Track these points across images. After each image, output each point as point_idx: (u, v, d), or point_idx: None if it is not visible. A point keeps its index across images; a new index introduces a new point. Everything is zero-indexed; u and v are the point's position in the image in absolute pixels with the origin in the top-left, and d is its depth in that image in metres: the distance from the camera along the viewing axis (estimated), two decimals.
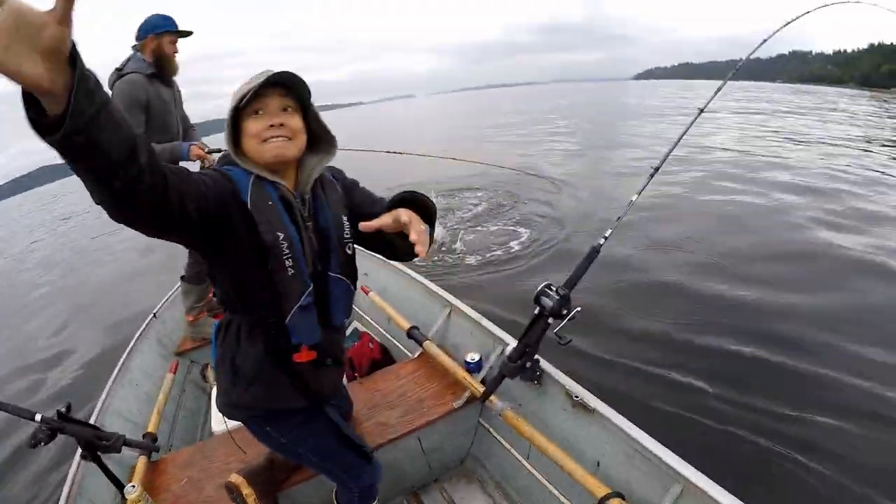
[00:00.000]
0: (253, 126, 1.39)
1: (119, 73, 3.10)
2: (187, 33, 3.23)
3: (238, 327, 1.53)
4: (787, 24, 2.70)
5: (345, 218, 1.57)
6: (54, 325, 7.56)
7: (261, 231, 1.37)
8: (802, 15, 2.67)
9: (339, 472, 1.84)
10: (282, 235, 1.39)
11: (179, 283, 3.72)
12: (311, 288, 1.47)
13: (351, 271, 1.61)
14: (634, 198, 2.29)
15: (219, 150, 3.40)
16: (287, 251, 1.40)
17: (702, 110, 2.49)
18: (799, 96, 39.20)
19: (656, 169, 2.35)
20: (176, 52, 3.22)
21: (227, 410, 1.64)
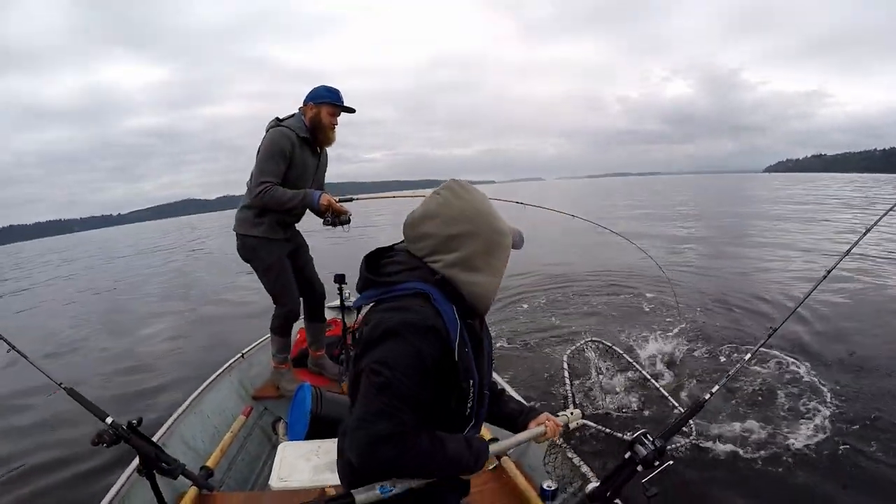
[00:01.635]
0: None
1: (278, 121, 3.33)
2: (349, 109, 3.41)
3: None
4: None
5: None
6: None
7: (460, 379, 1.39)
8: None
9: None
10: (472, 382, 1.43)
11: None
12: (474, 422, 1.54)
13: None
14: (747, 357, 2.20)
15: (349, 199, 3.50)
16: (472, 395, 1.44)
17: (829, 271, 2.26)
18: None
19: (774, 329, 2.20)
20: (334, 124, 3.39)
21: None
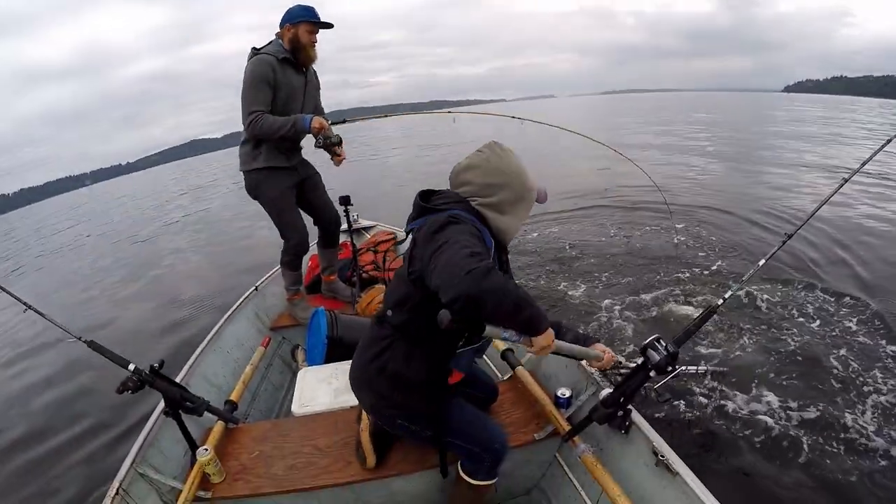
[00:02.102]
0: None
1: (255, 51, 3.25)
2: (327, 25, 3.31)
3: (411, 348, 1.83)
4: None
5: None
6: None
7: None
8: None
9: (471, 446, 2.02)
10: None
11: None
12: (484, 339, 1.89)
13: None
14: (761, 262, 2.21)
15: (342, 121, 3.44)
16: None
17: (846, 180, 2.26)
18: None
19: (789, 236, 2.19)
20: (314, 41, 3.31)
21: (379, 409, 1.97)
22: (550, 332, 1.59)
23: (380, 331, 1.91)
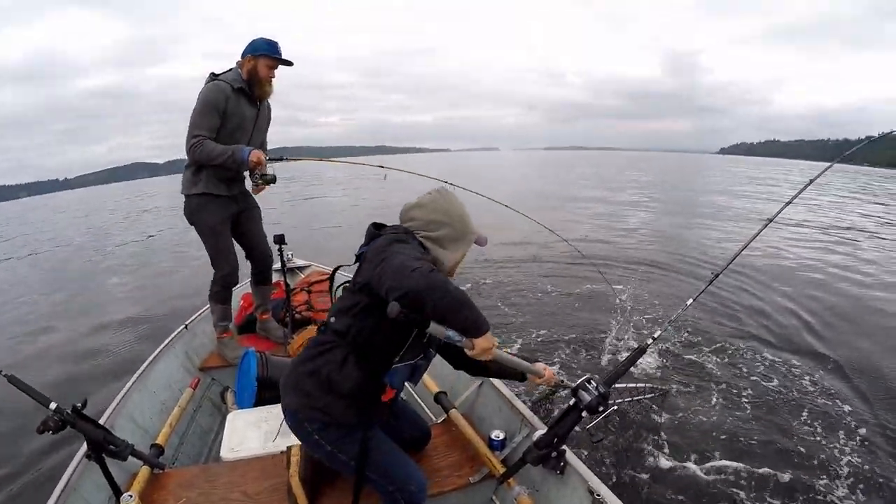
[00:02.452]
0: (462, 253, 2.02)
1: (213, 76, 3.27)
2: (287, 62, 3.36)
3: (348, 354, 1.87)
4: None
5: None
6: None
7: None
8: None
9: (387, 484, 2.01)
10: None
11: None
12: (422, 354, 2.00)
13: None
14: (689, 302, 2.37)
15: (280, 159, 3.46)
16: None
17: (770, 220, 2.53)
18: None
19: (716, 275, 2.39)
20: (271, 77, 3.35)
21: (300, 406, 1.93)
22: (491, 336, 1.67)
23: (320, 338, 1.98)
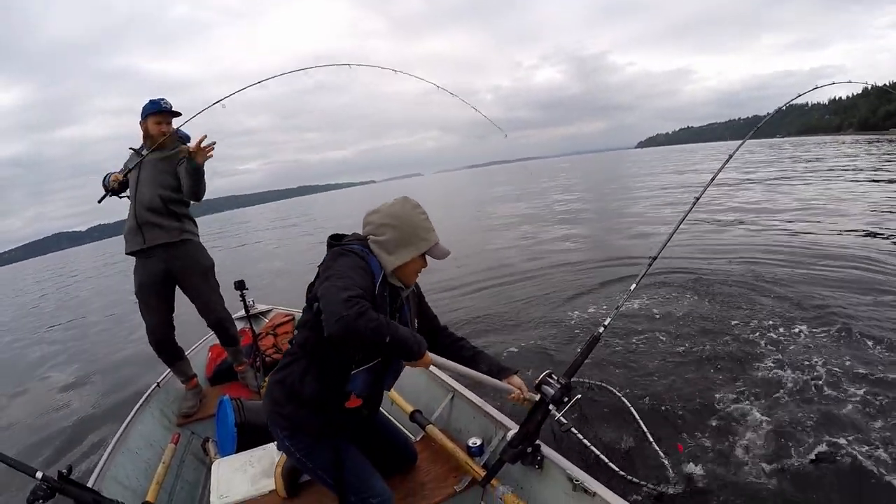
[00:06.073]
0: (418, 265, 2.09)
1: (132, 150, 3.58)
2: (174, 113, 3.50)
3: (308, 365, 2.03)
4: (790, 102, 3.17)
5: (416, 321, 2.29)
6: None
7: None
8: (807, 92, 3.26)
9: (351, 495, 2.12)
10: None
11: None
12: (379, 359, 2.07)
13: None
14: (633, 287, 2.53)
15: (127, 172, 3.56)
16: None
17: (697, 199, 2.74)
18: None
19: (653, 258, 2.55)
20: (163, 131, 3.46)
21: (270, 412, 2.12)
22: (427, 357, 1.89)
23: (288, 349, 2.19)
